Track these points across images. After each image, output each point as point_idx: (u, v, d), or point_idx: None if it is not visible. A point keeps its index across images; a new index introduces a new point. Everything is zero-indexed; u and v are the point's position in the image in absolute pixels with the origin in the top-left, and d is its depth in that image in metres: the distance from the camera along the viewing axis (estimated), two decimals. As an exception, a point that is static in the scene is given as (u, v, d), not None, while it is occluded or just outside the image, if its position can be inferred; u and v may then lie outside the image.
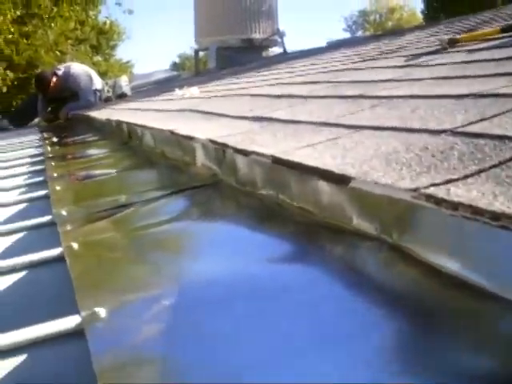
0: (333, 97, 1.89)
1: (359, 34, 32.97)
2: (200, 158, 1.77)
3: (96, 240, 1.31)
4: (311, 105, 1.85)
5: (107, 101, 6.86)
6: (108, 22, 15.62)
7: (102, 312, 0.84)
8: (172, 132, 1.97)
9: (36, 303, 1.15)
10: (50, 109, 7.17)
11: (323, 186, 1.08)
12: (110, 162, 2.63)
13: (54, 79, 6.83)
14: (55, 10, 11.05)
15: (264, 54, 8.69)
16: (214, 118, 2.15)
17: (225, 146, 1.49)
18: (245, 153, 1.35)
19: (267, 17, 8.32)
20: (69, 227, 1.46)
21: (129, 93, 7.09)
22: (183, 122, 2.18)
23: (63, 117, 6.79)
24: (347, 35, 33.32)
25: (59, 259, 1.23)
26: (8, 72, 11.86)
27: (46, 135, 4.89)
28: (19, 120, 7.35)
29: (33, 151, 3.73)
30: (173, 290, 0.91)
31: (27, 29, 11.16)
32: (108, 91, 7.16)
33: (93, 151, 3.14)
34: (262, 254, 1.08)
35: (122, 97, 6.91)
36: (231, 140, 1.53)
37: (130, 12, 13.50)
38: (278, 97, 2.17)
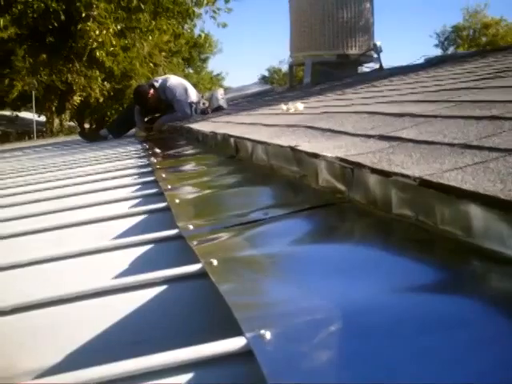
0: (461, 117, 1.83)
1: (451, 49, 32.38)
2: (323, 176, 1.75)
3: (234, 257, 1.30)
4: (439, 125, 1.80)
5: (203, 113, 6.96)
6: (203, 35, 15.89)
7: (267, 334, 0.82)
8: (293, 148, 1.96)
9: (181, 319, 1.16)
10: (146, 120, 7.35)
11: (478, 210, 1.04)
12: (220, 175, 2.64)
13: (152, 91, 6.99)
14: (153, 23, 11.36)
15: (359, 69, 8.64)
16: (334, 135, 2.12)
17: (360, 165, 1.46)
18: (386, 173, 1.32)
19: (363, 32, 8.27)
20: (196, 242, 1.46)
21: (225, 106, 7.17)
22: (302, 139, 2.17)
23: (158, 128, 6.94)
24: (438, 51, 32.78)
25: (198, 275, 1.22)
26: (105, 83, 12.27)
27: (147, 146, 4.99)
28: (117, 130, 7.55)
29: (138, 161, 3.80)
30: (335, 314, 0.88)
31: (126, 41, 11.51)
32: (204, 104, 7.26)
33: (200, 164, 3.16)
34: (410, 280, 1.04)
35: (218, 109, 7.00)
36: (365, 159, 1.50)
37: (224, 25, 13.65)
38: (401, 115, 2.12)
